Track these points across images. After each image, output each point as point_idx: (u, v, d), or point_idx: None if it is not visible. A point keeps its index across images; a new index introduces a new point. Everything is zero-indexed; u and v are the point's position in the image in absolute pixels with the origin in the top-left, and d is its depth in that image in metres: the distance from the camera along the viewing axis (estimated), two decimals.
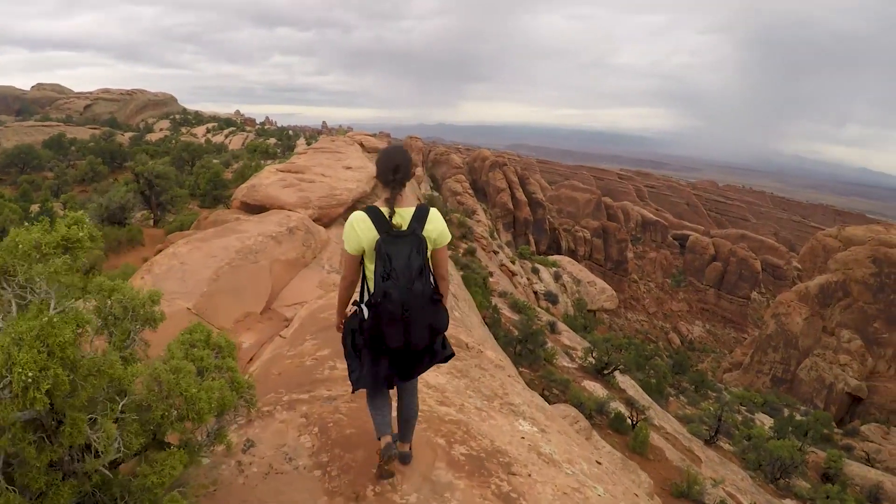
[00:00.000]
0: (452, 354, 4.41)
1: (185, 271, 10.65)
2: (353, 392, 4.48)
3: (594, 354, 34.23)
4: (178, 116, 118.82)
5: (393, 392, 4.60)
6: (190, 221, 30.82)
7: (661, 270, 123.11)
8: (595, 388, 28.84)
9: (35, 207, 31.75)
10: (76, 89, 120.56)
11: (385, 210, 3.94)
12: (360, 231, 3.89)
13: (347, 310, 4.37)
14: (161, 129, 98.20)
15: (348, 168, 20.95)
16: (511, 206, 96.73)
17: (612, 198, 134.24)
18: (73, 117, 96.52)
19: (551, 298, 65.92)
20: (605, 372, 32.73)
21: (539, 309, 52.58)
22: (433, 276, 4.04)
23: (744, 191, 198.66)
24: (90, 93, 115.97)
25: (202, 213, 22.31)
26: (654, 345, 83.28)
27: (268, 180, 17.87)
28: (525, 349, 30.38)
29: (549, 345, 33.94)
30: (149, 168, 34.44)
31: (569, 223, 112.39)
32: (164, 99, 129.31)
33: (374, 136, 31.82)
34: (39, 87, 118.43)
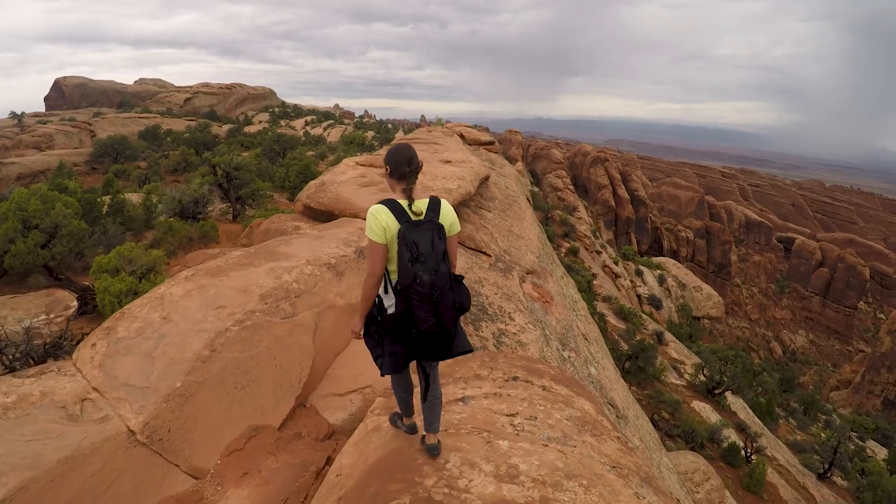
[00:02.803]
0: (472, 349, 4.33)
1: (161, 338, 6.04)
2: (382, 375, 4.29)
3: (705, 372, 32.72)
4: (276, 110, 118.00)
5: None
6: (271, 216, 27.30)
7: (765, 275, 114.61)
8: (705, 410, 27.91)
9: (107, 199, 28.28)
10: (180, 84, 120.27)
11: (403, 202, 3.98)
12: (382, 220, 3.89)
13: None
14: (260, 122, 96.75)
15: (447, 162, 16.12)
16: (613, 203, 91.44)
17: (715, 196, 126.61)
18: (174, 110, 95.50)
19: (655, 303, 61.52)
20: (716, 392, 31.20)
21: (644, 316, 48.23)
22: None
23: (852, 192, 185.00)
24: (190, 87, 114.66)
25: (258, 220, 18.27)
26: (755, 354, 77.98)
27: (342, 176, 13.14)
28: (635, 366, 29.56)
29: (658, 359, 32.64)
30: (226, 160, 30.97)
31: (671, 222, 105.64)
32: (263, 93, 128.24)
33: (474, 127, 26.87)
34: (141, 81, 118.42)
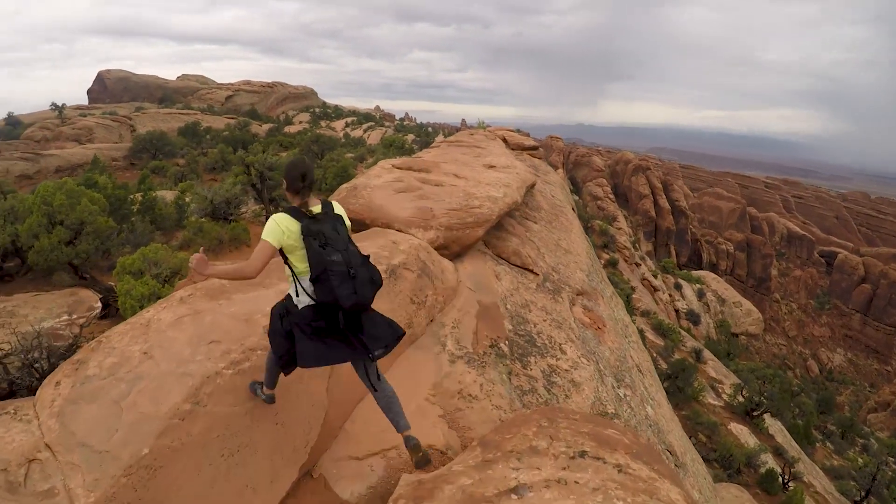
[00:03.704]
0: (403, 333, 4.53)
1: (136, 381, 4.78)
2: (279, 365, 4.45)
3: (744, 393, 31.85)
4: (317, 110, 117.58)
5: None
6: None
7: (805, 290, 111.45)
8: (742, 433, 27.17)
9: (139, 196, 27.47)
10: (222, 81, 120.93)
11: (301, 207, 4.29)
12: (283, 225, 4.13)
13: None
14: (300, 122, 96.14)
15: (491, 167, 14.79)
16: (653, 213, 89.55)
17: (757, 208, 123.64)
18: (215, 107, 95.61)
19: (693, 318, 59.93)
20: (755, 414, 30.22)
21: (683, 332, 46.58)
22: None
23: None
24: (231, 84, 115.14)
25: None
26: (791, 372, 75.85)
27: (377, 180, 11.84)
28: (673, 386, 28.55)
29: (696, 378, 31.72)
30: (260, 159, 29.98)
31: (711, 234, 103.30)
32: (304, 92, 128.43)
33: (516, 132, 25.58)
34: (183, 77, 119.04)
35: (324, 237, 4.06)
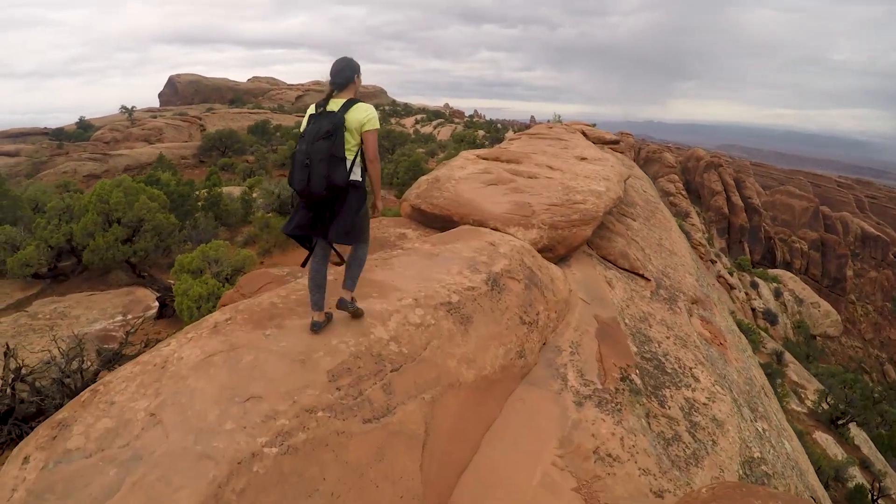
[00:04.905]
0: (358, 242, 4.60)
1: (131, 464, 3.07)
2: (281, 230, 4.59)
3: (829, 400, 29.41)
4: (387, 108, 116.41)
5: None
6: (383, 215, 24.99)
7: (881, 292, 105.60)
8: (827, 443, 25.16)
9: (203, 192, 26.37)
10: (292, 83, 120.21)
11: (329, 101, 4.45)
12: (306, 114, 4.47)
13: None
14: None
15: (583, 159, 12.98)
16: (726, 210, 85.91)
17: (830, 207, 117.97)
18: (285, 107, 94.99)
19: (770, 318, 56.68)
20: (840, 423, 27.98)
21: (762, 332, 43.70)
22: (364, 160, 4.45)
23: None
24: (302, 84, 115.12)
25: None
26: (868, 376, 71.93)
27: (461, 172, 10.11)
28: None
29: (779, 381, 29.27)
30: None
31: (785, 233, 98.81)
32: (373, 91, 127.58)
33: (593, 126, 23.79)
34: (254, 79, 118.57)
35: (305, 129, 4.30)
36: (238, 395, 3.41)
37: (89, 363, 10.35)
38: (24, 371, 9.09)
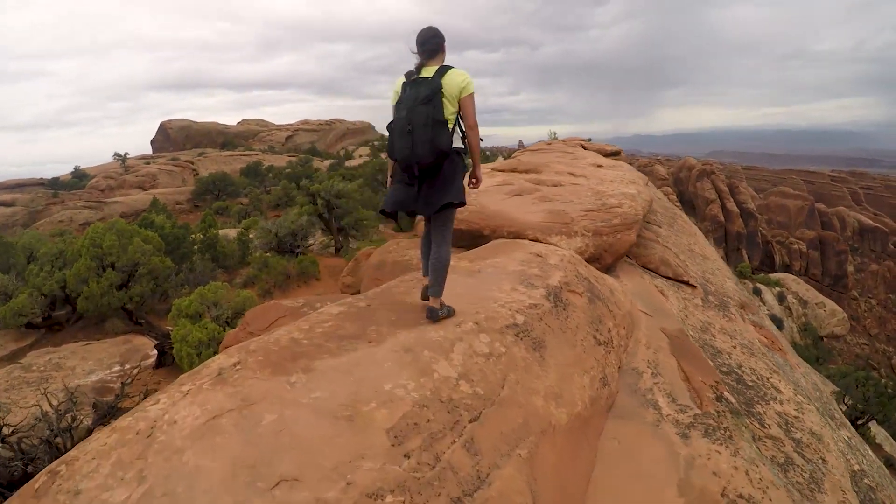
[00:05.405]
0: (463, 202, 4.27)
1: None
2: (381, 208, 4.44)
3: (847, 401, 27.10)
4: (377, 143, 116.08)
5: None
6: (384, 244, 24.05)
7: (884, 284, 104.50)
8: None
9: (199, 234, 25.49)
10: (281, 123, 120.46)
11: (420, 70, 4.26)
12: (395, 87, 4.27)
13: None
14: (360, 156, 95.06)
15: (599, 166, 12.13)
16: (722, 218, 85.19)
17: (825, 203, 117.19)
18: (275, 148, 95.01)
19: (776, 323, 55.31)
20: (859, 423, 25.79)
21: None
22: (463, 125, 4.19)
23: None
24: (290, 125, 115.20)
25: (366, 249, 14.71)
26: (876, 373, 70.85)
27: (481, 185, 9.15)
28: None
29: None
30: (326, 187, 27.67)
31: (782, 235, 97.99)
32: (362, 127, 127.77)
33: (589, 140, 23.15)
34: (244, 122, 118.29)
35: (402, 95, 4.09)
36: (261, 476, 2.38)
37: (83, 418, 9.58)
38: (5, 431, 8.18)
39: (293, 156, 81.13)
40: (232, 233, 30.63)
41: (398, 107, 4.04)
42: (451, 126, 4.03)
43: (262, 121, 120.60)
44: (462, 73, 4.15)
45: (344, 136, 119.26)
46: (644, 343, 5.27)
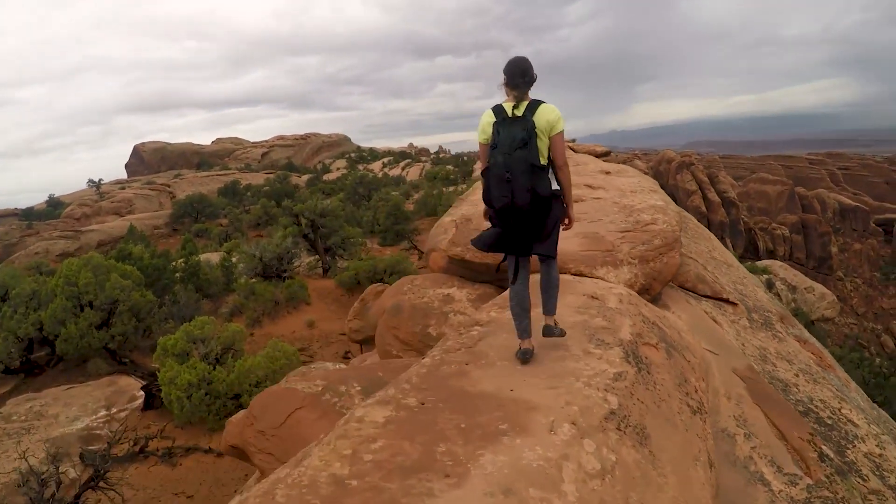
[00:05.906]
0: (554, 260, 4.15)
1: None
2: (472, 244, 4.25)
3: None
4: (353, 155, 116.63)
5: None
6: (368, 267, 23.18)
7: (868, 263, 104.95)
8: None
9: (180, 262, 24.43)
10: (256, 140, 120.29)
11: (509, 105, 4.00)
12: (483, 122, 4.09)
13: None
14: (338, 169, 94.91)
15: (606, 173, 11.35)
16: (704, 208, 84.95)
17: (805, 186, 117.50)
18: (252, 165, 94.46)
19: None
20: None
21: None
22: (553, 166, 4.01)
23: None
24: (266, 141, 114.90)
25: (372, 287, 13.63)
26: (866, 350, 70.88)
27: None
28: None
29: None
30: (309, 206, 26.78)
31: (764, 221, 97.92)
32: (337, 140, 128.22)
33: (573, 141, 22.51)
34: (218, 140, 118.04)
35: (497, 137, 3.88)
36: None
37: (73, 472, 8.74)
38: None
39: (270, 172, 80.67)
40: (214, 257, 29.62)
41: (494, 153, 3.83)
42: (548, 170, 3.89)
43: (237, 139, 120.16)
44: (554, 110, 3.97)
45: (320, 149, 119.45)
46: (723, 393, 4.44)
